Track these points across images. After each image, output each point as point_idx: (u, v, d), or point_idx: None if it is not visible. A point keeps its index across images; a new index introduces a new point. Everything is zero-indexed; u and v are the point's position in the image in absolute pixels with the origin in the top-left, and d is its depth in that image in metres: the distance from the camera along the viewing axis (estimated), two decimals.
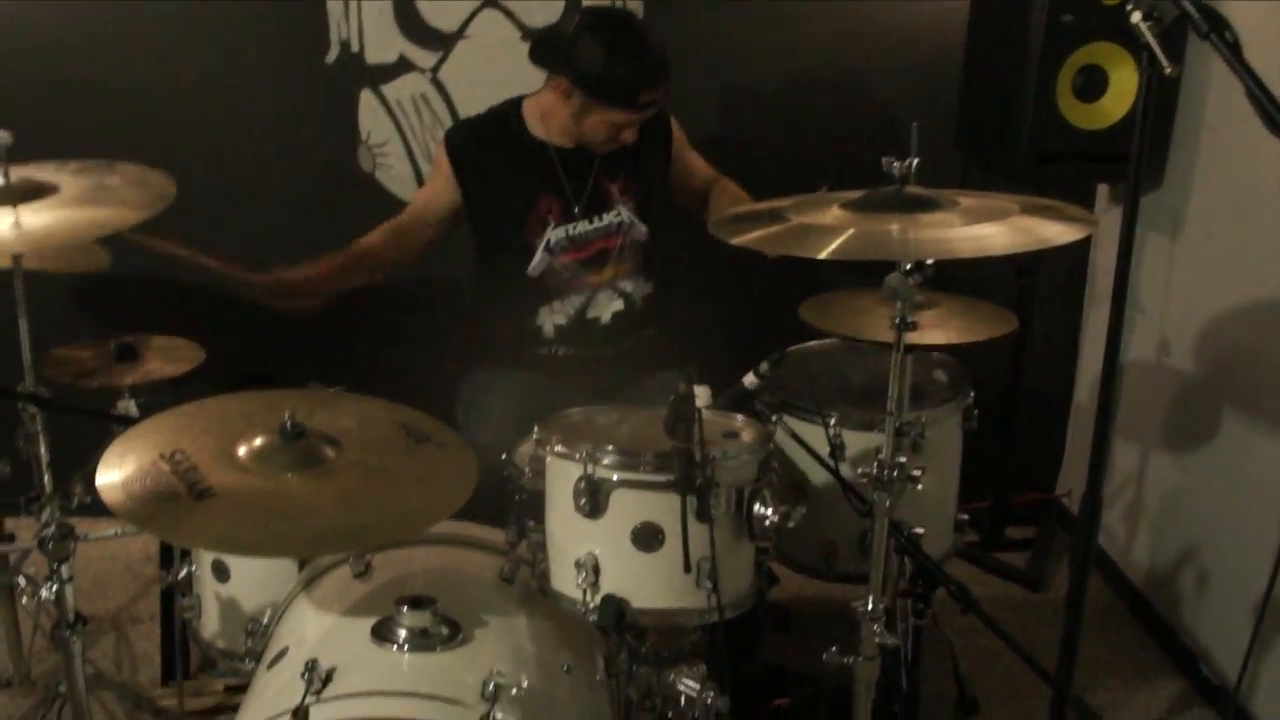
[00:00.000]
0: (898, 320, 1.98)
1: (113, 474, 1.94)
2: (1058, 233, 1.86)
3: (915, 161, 1.96)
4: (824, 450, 2.55)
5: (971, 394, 2.86)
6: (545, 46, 2.87)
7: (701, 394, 1.97)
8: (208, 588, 2.40)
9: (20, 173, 2.24)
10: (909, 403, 2.69)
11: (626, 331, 3.04)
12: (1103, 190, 3.76)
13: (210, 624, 2.41)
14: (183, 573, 2.47)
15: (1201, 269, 3.26)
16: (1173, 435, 3.42)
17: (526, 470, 2.44)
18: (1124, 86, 3.21)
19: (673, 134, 3.11)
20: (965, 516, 2.84)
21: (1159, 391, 3.48)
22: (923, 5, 3.60)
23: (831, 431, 2.66)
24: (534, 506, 2.41)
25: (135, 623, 3.34)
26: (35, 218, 2.16)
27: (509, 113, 3.01)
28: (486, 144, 2.98)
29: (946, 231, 1.86)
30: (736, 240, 1.95)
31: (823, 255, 1.82)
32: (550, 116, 2.93)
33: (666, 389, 2.90)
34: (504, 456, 2.52)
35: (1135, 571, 3.56)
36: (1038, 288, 3.57)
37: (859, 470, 2.19)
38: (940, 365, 2.87)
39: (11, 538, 3.02)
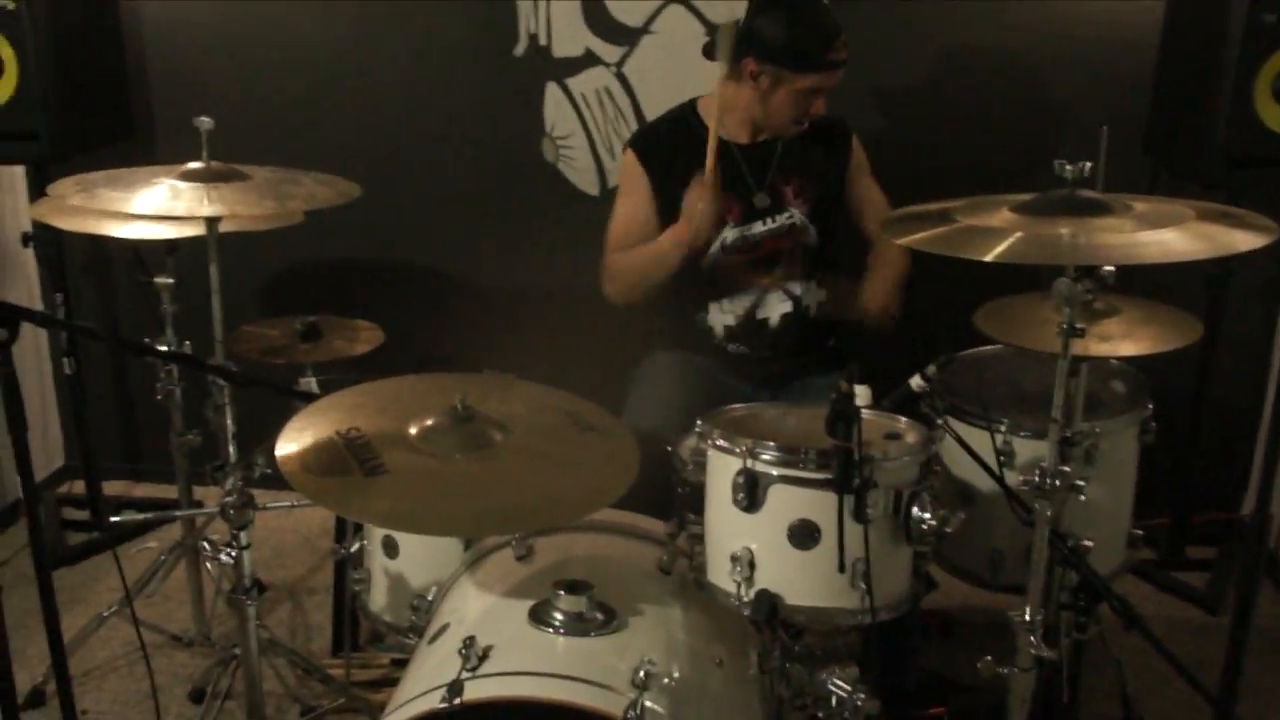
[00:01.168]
0: (1065, 326, 1.94)
1: (291, 446, 2.03)
2: (1237, 240, 1.80)
3: (1089, 165, 1.91)
4: (990, 457, 2.50)
5: (1150, 406, 2.78)
6: (721, 39, 2.90)
7: (862, 393, 1.95)
8: (377, 562, 2.48)
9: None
10: (1084, 412, 2.65)
11: (797, 336, 3.02)
12: None
13: (379, 598, 2.49)
14: (355, 547, 2.55)
15: None
16: None
17: (689, 463, 2.48)
18: None
19: (852, 149, 3.10)
20: (1140, 532, 2.76)
21: None
22: (1116, 3, 3.49)
23: (1000, 438, 2.63)
24: (696, 500, 2.44)
25: (311, 593, 3.48)
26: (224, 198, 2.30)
27: (687, 114, 3.03)
28: (670, 146, 2.99)
29: (1118, 236, 1.81)
30: (902, 241, 1.94)
31: (989, 258, 1.79)
32: (730, 110, 2.93)
33: (830, 391, 2.95)
34: (669, 449, 2.56)
35: None
36: (1229, 295, 3.44)
37: (1024, 479, 2.13)
38: (1119, 374, 2.78)
39: (200, 505, 3.18)
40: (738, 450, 2.08)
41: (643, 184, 2.99)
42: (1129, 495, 2.79)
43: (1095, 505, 2.56)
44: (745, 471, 2.06)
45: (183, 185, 2.36)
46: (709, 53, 2.97)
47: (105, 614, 3.08)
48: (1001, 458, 2.60)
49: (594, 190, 3.74)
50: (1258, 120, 3.08)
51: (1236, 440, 3.87)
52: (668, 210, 2.93)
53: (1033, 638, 2.12)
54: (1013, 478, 2.45)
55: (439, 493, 1.98)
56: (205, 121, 2.34)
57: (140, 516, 2.92)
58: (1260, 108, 3.07)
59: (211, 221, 2.34)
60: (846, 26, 2.89)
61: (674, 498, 2.51)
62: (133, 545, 3.70)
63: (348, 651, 2.95)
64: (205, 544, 2.39)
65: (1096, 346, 2.42)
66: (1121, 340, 2.40)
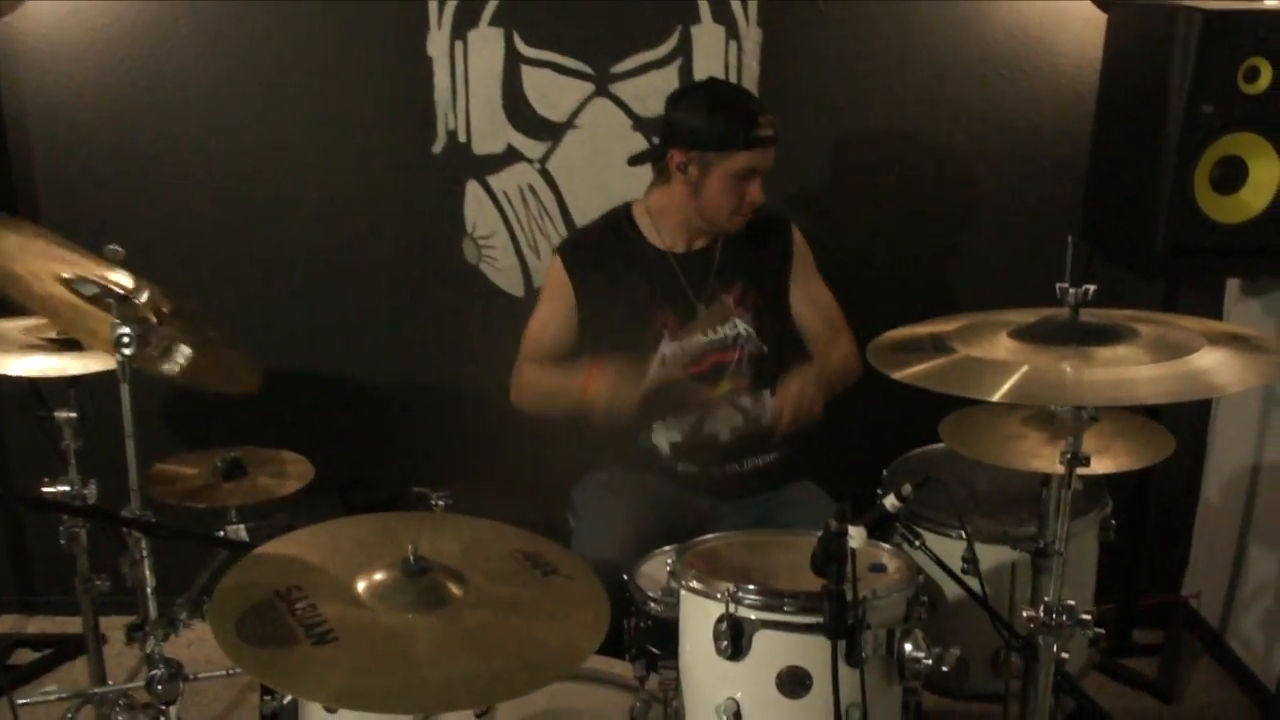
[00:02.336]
0: (1068, 456, 1.84)
1: (227, 615, 1.83)
2: (1250, 374, 1.69)
3: (1092, 289, 1.81)
4: (954, 565, 2.40)
5: (1110, 505, 2.72)
6: (640, 155, 2.92)
7: (857, 535, 1.82)
8: (314, 718, 2.28)
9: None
10: (1038, 514, 2.56)
11: (751, 450, 2.90)
12: (1232, 284, 3.59)
13: None
14: (287, 698, 2.35)
15: None
16: None
17: (650, 595, 2.34)
18: (1265, 178, 3.04)
19: (794, 243, 3.00)
20: (1101, 631, 2.67)
21: None
22: (1047, 90, 3.46)
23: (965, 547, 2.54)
24: (659, 635, 2.29)
25: None
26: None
27: (621, 218, 2.92)
28: (602, 253, 2.88)
29: (1127, 373, 1.71)
30: (899, 375, 1.82)
31: (996, 398, 1.68)
32: (664, 213, 2.83)
33: (798, 502, 2.83)
34: (625, 578, 2.41)
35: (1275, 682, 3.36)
36: None
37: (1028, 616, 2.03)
38: None
39: (103, 639, 2.93)
40: (718, 594, 1.95)
41: (566, 292, 2.87)
42: (1090, 594, 2.72)
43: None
44: (728, 618, 1.93)
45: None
46: (636, 160, 2.87)
47: None
48: (965, 565, 2.51)
49: (519, 291, 3.58)
50: (1198, 210, 3.04)
51: (1176, 523, 3.83)
52: (592, 317, 2.84)
53: None
54: (976, 584, 2.35)
55: (398, 662, 1.79)
56: (117, 251, 2.14)
57: (53, 695, 2.66)
58: (1200, 197, 3.04)
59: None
60: (781, 124, 2.81)
61: (633, 634, 2.37)
62: (31, 688, 3.41)
63: None
64: (125, 716, 2.17)
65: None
66: (1099, 456, 2.30)
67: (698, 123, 2.72)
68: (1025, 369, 1.73)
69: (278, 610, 1.84)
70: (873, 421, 3.20)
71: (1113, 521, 2.72)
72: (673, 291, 2.83)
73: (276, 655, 1.76)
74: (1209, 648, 3.67)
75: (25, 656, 3.56)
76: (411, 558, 1.92)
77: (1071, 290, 1.82)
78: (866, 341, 2.57)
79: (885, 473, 2.87)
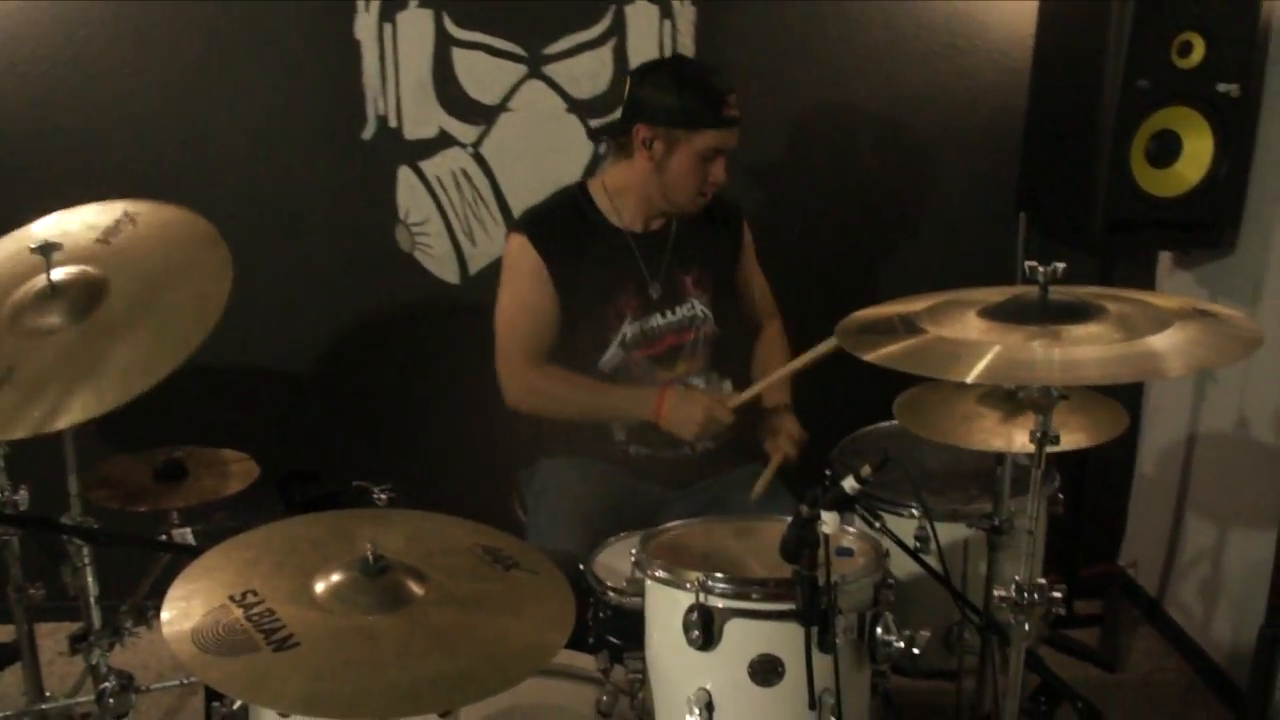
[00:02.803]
0: (1038, 435, 1.82)
1: (180, 621, 1.76)
2: (1224, 353, 1.69)
3: (1061, 266, 1.79)
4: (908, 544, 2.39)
5: (1058, 479, 2.73)
6: (605, 127, 2.84)
7: (830, 521, 1.79)
8: None
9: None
10: (990, 489, 2.57)
11: None
12: (1164, 258, 3.63)
13: None
14: (237, 703, 2.27)
15: None
16: (1251, 508, 3.27)
17: (610, 585, 2.30)
18: (1198, 152, 3.09)
19: (744, 230, 2.99)
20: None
21: (1235, 463, 3.34)
22: (980, 66, 3.46)
23: (916, 524, 2.54)
24: (620, 625, 2.26)
25: None
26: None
27: (577, 196, 2.85)
28: (565, 230, 2.80)
29: (1100, 351, 1.69)
30: (870, 357, 1.79)
31: (970, 379, 1.66)
32: (623, 192, 2.78)
33: (746, 486, 2.80)
34: (581, 567, 2.37)
35: (1215, 649, 3.40)
36: None
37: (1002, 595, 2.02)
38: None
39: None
40: (688, 584, 1.91)
41: (539, 270, 2.75)
42: (1040, 568, 2.73)
43: (1007, 582, 2.49)
44: (699, 608, 1.89)
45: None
46: (599, 131, 2.82)
47: None
48: (918, 544, 2.51)
49: (454, 278, 3.52)
50: (1134, 184, 3.07)
51: (1113, 494, 3.87)
52: (564, 298, 2.75)
53: None
54: (933, 563, 2.35)
55: (365, 664, 1.73)
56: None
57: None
58: (1137, 172, 3.06)
59: None
60: None
61: (592, 623, 2.33)
62: None
63: None
64: None
65: (1025, 440, 2.32)
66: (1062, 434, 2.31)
67: (667, 100, 2.67)
68: (997, 349, 1.71)
69: (233, 616, 1.78)
70: (816, 403, 3.19)
71: (1060, 495, 2.75)
72: (632, 271, 2.78)
73: (236, 664, 1.69)
74: (1147, 616, 3.72)
75: None
76: (371, 557, 1.86)
77: (1041, 269, 1.80)
78: (810, 318, 2.58)
79: (833, 453, 2.86)
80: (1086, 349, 1.71)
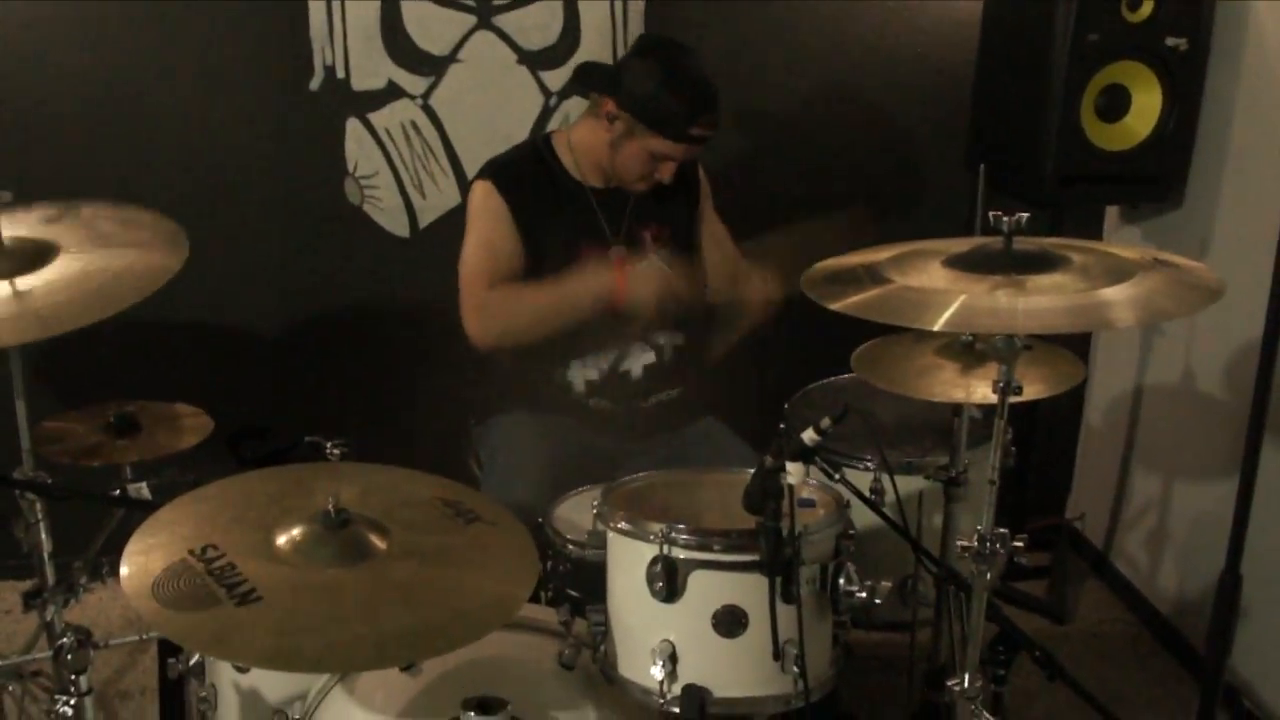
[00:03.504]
0: (1001, 385, 1.83)
1: (140, 577, 1.74)
2: (1186, 303, 1.70)
3: (1025, 217, 1.80)
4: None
5: (1010, 431, 2.74)
6: (594, 69, 2.80)
7: (795, 471, 1.80)
8: (225, 677, 2.19)
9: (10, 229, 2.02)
10: (947, 443, 2.59)
11: (656, 385, 2.87)
12: (1111, 212, 3.66)
13: (228, 717, 2.20)
14: (194, 658, 2.26)
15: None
16: (1197, 460, 3.32)
17: (570, 538, 2.30)
18: (1147, 106, 3.11)
19: (701, 184, 2.97)
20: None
21: (1182, 416, 3.38)
22: (929, 20, 3.47)
23: (870, 476, 2.56)
24: (579, 578, 2.26)
25: (124, 698, 3.09)
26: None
27: (540, 149, 2.82)
28: (528, 180, 2.77)
29: (1064, 300, 1.70)
30: (836, 306, 1.79)
31: (936, 328, 1.67)
32: (585, 152, 2.75)
33: (703, 439, 2.81)
34: (540, 521, 2.37)
35: (1162, 600, 3.46)
36: None
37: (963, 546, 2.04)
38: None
39: None
40: (651, 536, 1.91)
41: (503, 214, 2.72)
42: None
43: (964, 533, 2.51)
44: (663, 559, 1.89)
45: None
46: (581, 80, 2.78)
47: None
48: (873, 495, 2.53)
49: (404, 232, 3.48)
50: (1085, 139, 3.09)
51: (1059, 446, 3.91)
52: (528, 247, 2.73)
53: (973, 706, 2.00)
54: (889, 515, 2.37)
55: (328, 618, 1.72)
56: (3, 195, 1.99)
57: None
58: (1087, 126, 3.08)
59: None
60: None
61: (552, 577, 2.33)
62: None
63: None
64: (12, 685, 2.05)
65: (985, 391, 2.34)
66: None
67: (644, 91, 2.62)
68: (963, 298, 1.71)
69: (194, 571, 1.76)
70: (771, 356, 3.19)
71: (1012, 448, 2.76)
72: (593, 227, 2.76)
73: (199, 619, 1.68)
74: (1095, 569, 3.77)
75: None
76: (332, 510, 1.84)
77: (1005, 218, 1.80)
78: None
79: (787, 406, 2.87)
80: (1051, 298, 1.72)
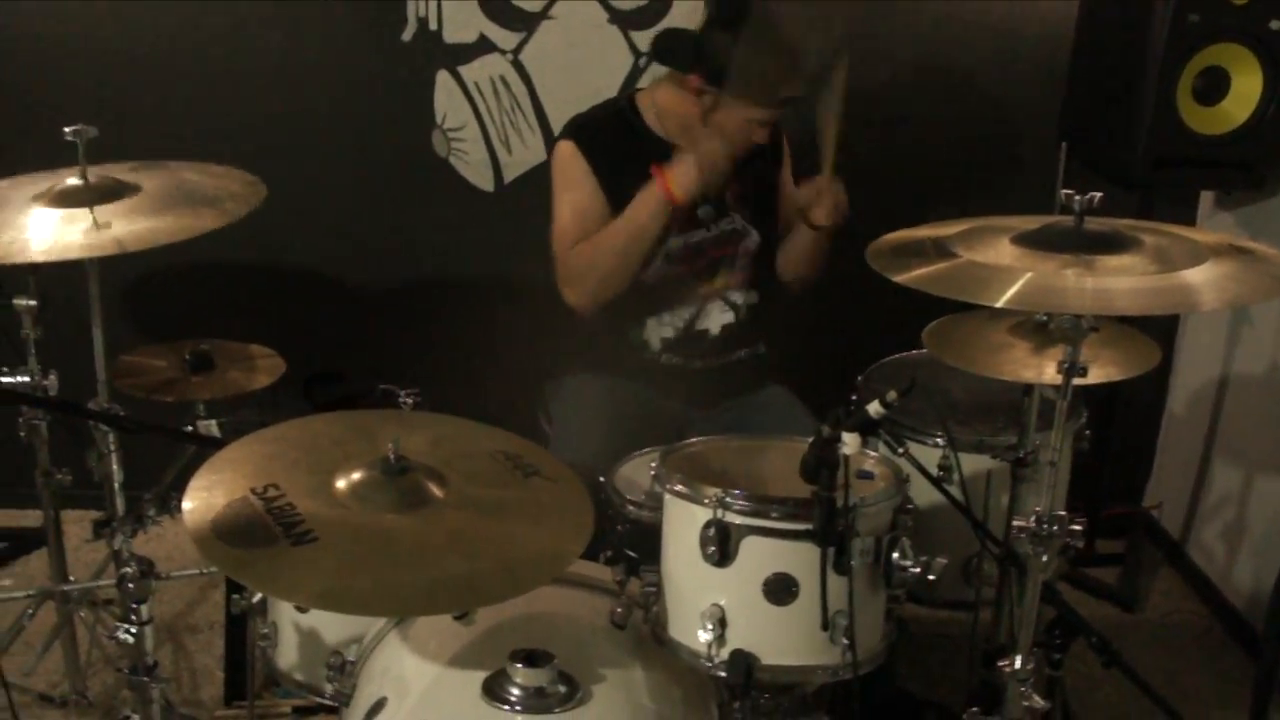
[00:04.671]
0: (1066, 365, 1.80)
1: (202, 511, 1.78)
2: (1260, 290, 1.66)
3: (1098, 196, 1.76)
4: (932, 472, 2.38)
5: (1085, 415, 2.70)
6: (672, 43, 2.70)
7: (851, 442, 1.79)
8: (285, 616, 2.23)
9: (98, 172, 2.08)
10: (1017, 423, 2.55)
11: (733, 345, 2.87)
12: (1206, 197, 3.57)
13: (288, 654, 2.25)
14: (257, 596, 2.30)
15: None
16: None
17: (630, 498, 2.30)
18: (1247, 90, 3.03)
19: (784, 146, 2.95)
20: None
21: (1267, 407, 3.31)
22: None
23: (940, 454, 2.53)
24: (638, 539, 2.26)
25: (192, 632, 3.18)
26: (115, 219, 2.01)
27: (625, 108, 2.81)
28: (611, 139, 2.75)
29: (1133, 282, 1.67)
30: (900, 278, 1.77)
31: (1000, 304, 1.65)
32: (669, 114, 2.74)
33: (770, 407, 2.80)
34: (601, 479, 2.37)
35: (1236, 594, 3.39)
36: None
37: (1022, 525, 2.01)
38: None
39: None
40: (705, 500, 1.91)
41: (587, 174, 2.71)
42: (1063, 504, 2.72)
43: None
44: (716, 524, 1.89)
45: (62, 212, 2.05)
46: (661, 56, 2.74)
47: None
48: (941, 473, 2.50)
49: (488, 185, 3.50)
50: (1180, 121, 3.01)
51: (1140, 434, 3.84)
52: (613, 203, 2.71)
53: (1024, 688, 1.98)
54: (955, 493, 2.34)
55: (381, 563, 1.75)
56: (87, 130, 2.04)
57: (20, 594, 2.56)
58: (1183, 108, 3.01)
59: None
60: None
61: (610, 536, 2.33)
62: None
63: (251, 705, 2.68)
64: (88, 612, 2.11)
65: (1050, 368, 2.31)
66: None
67: (728, 63, 2.55)
68: (1029, 275, 1.69)
69: (254, 509, 1.79)
70: (843, 328, 3.18)
71: (1087, 432, 2.72)
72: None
73: (255, 555, 1.71)
74: (1169, 558, 3.71)
75: None
76: (393, 456, 1.87)
77: (1077, 197, 1.77)
78: (848, 242, 2.54)
79: (860, 379, 2.85)
80: (1119, 279, 1.68)
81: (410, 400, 2.49)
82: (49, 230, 2.03)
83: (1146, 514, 3.84)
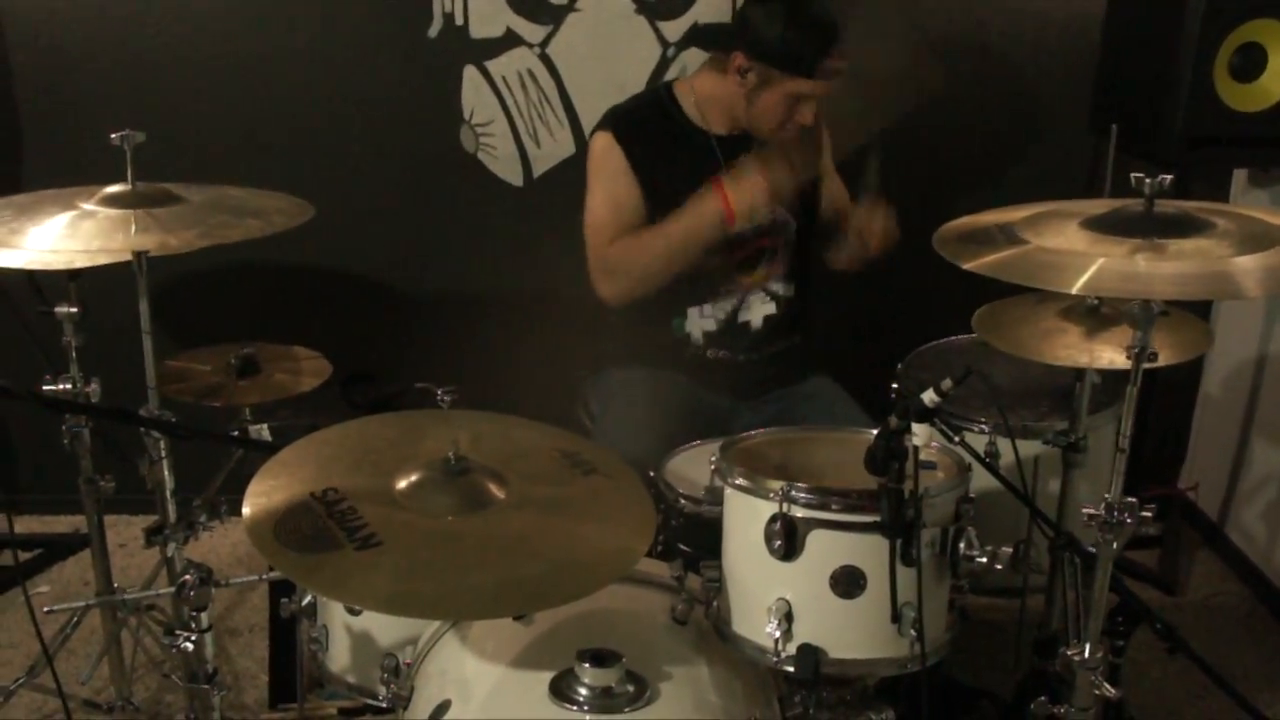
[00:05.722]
0: (1136, 350, 1.78)
1: (262, 517, 1.76)
2: None
3: (1169, 179, 1.74)
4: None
5: None
6: (713, 28, 2.76)
7: (922, 433, 1.77)
8: (336, 618, 2.21)
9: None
10: (1063, 408, 2.53)
11: (775, 336, 2.86)
12: (1239, 175, 3.55)
13: (340, 657, 2.23)
14: (306, 599, 2.28)
15: None
16: None
17: (682, 492, 2.29)
18: None
19: (824, 135, 2.91)
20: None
21: None
22: None
23: (985, 440, 2.51)
24: (691, 533, 2.25)
25: (233, 635, 3.16)
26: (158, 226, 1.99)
27: (663, 98, 2.79)
28: (649, 129, 2.74)
29: (1210, 267, 1.64)
30: (970, 265, 1.75)
31: (1075, 290, 1.62)
32: (711, 102, 2.73)
33: (815, 397, 2.79)
34: (651, 474, 2.36)
35: (1278, 574, 3.37)
36: None
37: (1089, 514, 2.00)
38: None
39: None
40: (771, 494, 1.88)
41: (624, 167, 2.70)
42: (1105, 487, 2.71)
43: (1082, 500, 2.46)
44: (782, 518, 1.87)
45: (108, 213, 2.03)
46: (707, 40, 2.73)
47: (12, 685, 2.71)
48: (987, 459, 2.48)
49: (517, 180, 3.49)
50: (1217, 99, 2.98)
51: (1175, 415, 3.82)
52: (650, 197, 2.70)
53: (1094, 677, 1.96)
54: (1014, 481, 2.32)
55: (447, 565, 1.73)
56: (134, 136, 2.01)
57: (77, 605, 2.52)
58: (1220, 86, 2.98)
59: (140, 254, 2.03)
60: None
61: (663, 531, 2.32)
62: (17, 591, 3.32)
63: (301, 708, 2.66)
64: (142, 620, 2.09)
65: (1112, 355, 2.29)
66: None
67: (771, 34, 2.57)
68: (1102, 261, 1.66)
69: (316, 514, 1.77)
70: (881, 315, 3.15)
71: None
72: (714, 173, 2.71)
73: (321, 560, 1.69)
74: (1208, 540, 3.69)
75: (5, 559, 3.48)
76: (453, 458, 1.85)
77: (1147, 180, 1.74)
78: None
79: (900, 367, 2.83)
80: (1189, 264, 1.66)
81: (448, 398, 2.47)
82: (94, 233, 2.01)
83: (1183, 495, 3.81)
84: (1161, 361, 2.29)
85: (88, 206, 2.06)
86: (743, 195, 2.59)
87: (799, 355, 2.90)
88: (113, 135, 2.04)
